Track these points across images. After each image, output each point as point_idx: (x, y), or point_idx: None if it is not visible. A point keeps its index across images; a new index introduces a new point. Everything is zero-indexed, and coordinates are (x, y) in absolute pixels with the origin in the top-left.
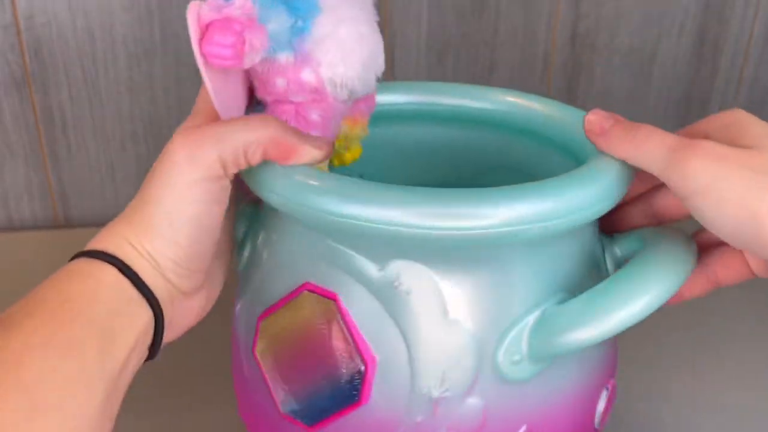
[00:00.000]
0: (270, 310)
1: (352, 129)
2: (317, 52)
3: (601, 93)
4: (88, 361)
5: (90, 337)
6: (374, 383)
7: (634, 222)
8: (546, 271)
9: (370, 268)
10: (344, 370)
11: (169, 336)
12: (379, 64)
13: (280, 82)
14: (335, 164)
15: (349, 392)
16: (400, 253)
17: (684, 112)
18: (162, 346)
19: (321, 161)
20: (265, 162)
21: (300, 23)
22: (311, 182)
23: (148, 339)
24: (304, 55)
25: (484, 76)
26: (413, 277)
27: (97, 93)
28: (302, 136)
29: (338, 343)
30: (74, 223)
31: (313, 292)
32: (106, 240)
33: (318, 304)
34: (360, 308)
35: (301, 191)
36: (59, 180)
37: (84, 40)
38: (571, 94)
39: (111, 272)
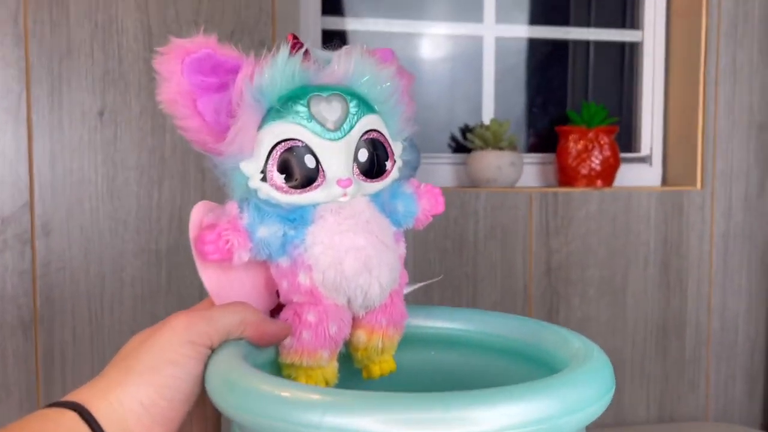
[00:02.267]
0: None
1: (371, 339)
2: (310, 258)
3: (580, 322)
4: None
5: None
6: None
7: None
8: None
9: None
10: None
11: None
12: (384, 275)
13: (284, 284)
14: (364, 377)
15: None
16: None
17: (662, 339)
18: None
19: (278, 341)
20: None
21: (292, 232)
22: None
23: None
24: (298, 261)
25: (468, 307)
26: None
27: (100, 332)
28: (268, 323)
29: None
30: None
31: None
32: (73, 394)
33: None
34: None
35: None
36: None
37: (95, 283)
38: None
39: (71, 416)
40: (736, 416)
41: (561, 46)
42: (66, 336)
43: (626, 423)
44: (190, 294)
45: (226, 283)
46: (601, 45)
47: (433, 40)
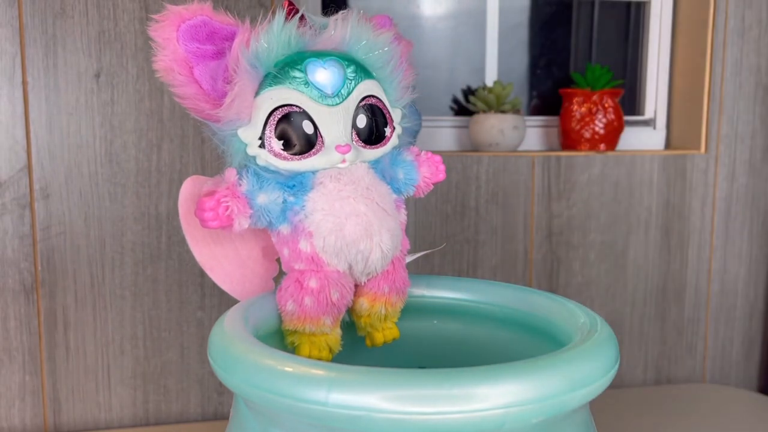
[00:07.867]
0: None
1: (373, 306)
2: (310, 225)
3: (581, 286)
4: None
5: None
6: None
7: None
8: None
9: None
10: None
11: None
12: (385, 240)
13: (285, 252)
14: (368, 345)
15: None
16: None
17: (662, 303)
18: None
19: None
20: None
21: (292, 199)
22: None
23: None
24: (298, 227)
25: (469, 272)
26: None
27: (101, 296)
28: None
29: None
30: (62, 430)
31: None
32: None
33: None
34: None
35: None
36: (54, 385)
37: (95, 247)
38: (552, 288)
39: None
40: (732, 378)
41: (565, 4)
42: (68, 300)
43: (624, 385)
44: (191, 258)
45: (220, 254)
46: (606, 4)
47: None
